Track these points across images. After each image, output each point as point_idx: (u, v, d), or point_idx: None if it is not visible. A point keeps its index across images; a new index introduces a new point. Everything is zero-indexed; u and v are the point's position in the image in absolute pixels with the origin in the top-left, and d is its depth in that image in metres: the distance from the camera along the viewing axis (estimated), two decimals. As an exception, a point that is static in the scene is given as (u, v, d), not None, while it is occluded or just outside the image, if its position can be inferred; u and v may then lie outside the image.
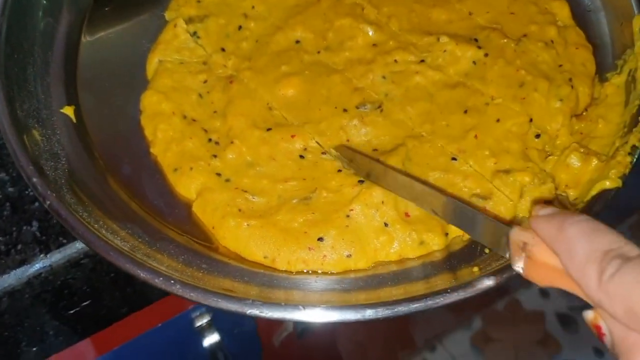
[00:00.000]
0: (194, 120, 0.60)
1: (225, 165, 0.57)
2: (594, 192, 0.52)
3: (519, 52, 0.61)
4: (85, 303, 0.64)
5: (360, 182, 0.55)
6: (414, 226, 0.53)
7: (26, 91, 0.59)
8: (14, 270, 0.56)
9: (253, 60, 0.63)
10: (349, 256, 0.53)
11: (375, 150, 0.58)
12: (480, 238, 0.47)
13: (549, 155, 0.57)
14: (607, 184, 0.51)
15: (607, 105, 0.59)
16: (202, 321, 0.86)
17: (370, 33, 0.63)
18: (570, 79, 0.60)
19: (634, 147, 0.53)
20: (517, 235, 0.39)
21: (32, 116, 0.58)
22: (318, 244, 0.53)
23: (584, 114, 0.60)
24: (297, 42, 0.64)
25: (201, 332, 0.87)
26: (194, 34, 0.65)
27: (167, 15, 0.67)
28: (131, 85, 0.63)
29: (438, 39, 0.62)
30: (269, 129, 0.58)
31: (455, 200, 0.49)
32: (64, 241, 0.57)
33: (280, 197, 0.55)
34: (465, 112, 0.59)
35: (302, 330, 1.01)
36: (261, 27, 0.65)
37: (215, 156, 0.57)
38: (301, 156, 0.58)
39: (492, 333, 1.64)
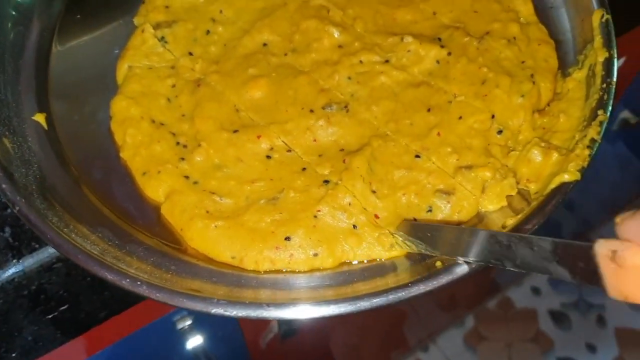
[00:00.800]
0: (162, 124, 0.60)
1: (193, 167, 0.58)
2: (552, 185, 0.52)
3: (481, 49, 0.62)
4: (63, 307, 0.65)
5: (325, 182, 0.56)
6: (384, 230, 0.54)
7: (-3, 100, 0.60)
8: (-14, 276, 0.57)
9: (221, 63, 0.64)
10: (315, 255, 0.54)
11: (342, 150, 0.59)
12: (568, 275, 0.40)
13: (512, 151, 0.58)
14: (566, 177, 0.52)
15: (569, 100, 0.60)
16: (184, 324, 0.86)
17: (336, 35, 0.64)
18: (532, 75, 0.61)
19: (592, 141, 0.54)
20: (603, 246, 0.35)
21: (3, 124, 0.59)
22: (285, 243, 0.54)
23: (547, 109, 0.61)
24: (265, 45, 0.65)
25: (183, 334, 0.87)
26: (162, 39, 0.66)
27: (136, 21, 0.67)
28: (102, 91, 0.64)
29: (402, 39, 0.63)
30: (235, 131, 0.59)
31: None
32: (37, 246, 0.58)
33: (247, 198, 0.56)
34: (429, 110, 0.60)
35: (285, 331, 1.01)
36: (229, 31, 0.66)
37: (183, 159, 0.58)
38: (268, 156, 0.58)
39: (485, 331, 1.65)
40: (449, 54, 0.62)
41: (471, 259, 0.47)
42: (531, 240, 0.41)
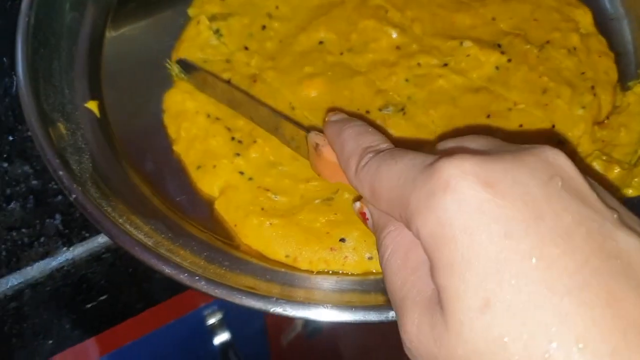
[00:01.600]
0: (217, 119, 0.60)
1: (249, 163, 0.57)
2: (616, 200, 0.52)
3: (542, 58, 0.62)
4: (102, 298, 0.65)
5: None
6: None
7: (51, 85, 0.59)
8: (37, 263, 0.56)
9: (277, 60, 0.63)
10: (370, 258, 0.53)
11: (397, 152, 0.58)
12: (288, 143, 0.54)
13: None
14: (630, 192, 0.51)
15: (629, 114, 0.59)
16: (214, 319, 0.86)
17: (394, 36, 0.64)
18: (592, 87, 0.60)
19: (657, 156, 0.54)
20: (312, 138, 0.47)
21: (57, 110, 0.58)
22: (340, 244, 0.53)
23: (606, 121, 0.60)
24: (321, 43, 0.64)
25: (212, 330, 0.87)
26: (217, 31, 0.65)
27: (190, 12, 0.67)
28: (154, 81, 0.63)
29: (461, 44, 0.62)
30: (291, 129, 0.59)
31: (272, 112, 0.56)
32: (87, 235, 0.58)
33: (302, 196, 0.56)
34: (488, 116, 0.59)
35: (311, 330, 1.01)
36: (285, 27, 0.66)
37: (238, 154, 0.58)
38: (323, 156, 0.58)
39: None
40: (509, 60, 0.61)
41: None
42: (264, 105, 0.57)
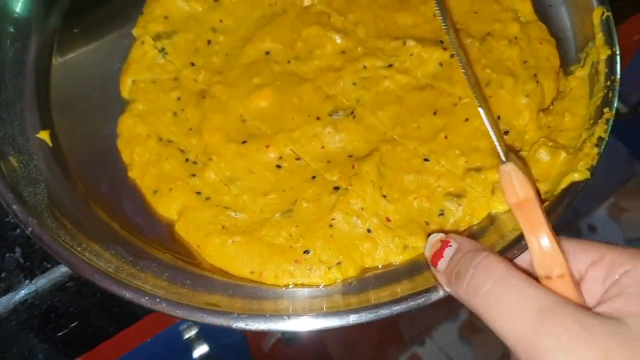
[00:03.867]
0: (170, 141, 0.60)
1: (205, 183, 0.57)
2: (563, 185, 0.53)
3: (483, 50, 0.63)
4: (73, 324, 0.65)
5: (335, 189, 0.56)
6: (396, 232, 0.54)
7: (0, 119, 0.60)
8: (0, 299, 0.56)
9: (224, 73, 0.64)
10: (338, 264, 0.53)
11: (350, 156, 0.59)
12: None
13: (519, 151, 0.58)
14: (576, 177, 0.52)
15: (573, 98, 0.60)
16: (191, 333, 0.86)
17: (338, 41, 0.64)
18: (535, 75, 0.61)
19: (600, 139, 0.54)
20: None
21: (7, 143, 0.58)
22: (304, 256, 0.53)
23: (551, 107, 0.61)
24: (267, 53, 0.65)
25: (190, 344, 0.87)
26: (162, 50, 0.65)
27: (135, 32, 0.67)
28: (105, 105, 0.63)
29: (404, 43, 0.63)
30: (244, 142, 0.59)
31: None
32: (48, 266, 0.58)
33: (262, 211, 0.56)
34: (435, 113, 0.60)
35: (291, 335, 1.02)
36: (230, 40, 0.66)
37: (193, 175, 0.58)
38: (278, 166, 0.58)
39: (479, 323, 1.65)
40: (452, 56, 0.62)
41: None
42: None
